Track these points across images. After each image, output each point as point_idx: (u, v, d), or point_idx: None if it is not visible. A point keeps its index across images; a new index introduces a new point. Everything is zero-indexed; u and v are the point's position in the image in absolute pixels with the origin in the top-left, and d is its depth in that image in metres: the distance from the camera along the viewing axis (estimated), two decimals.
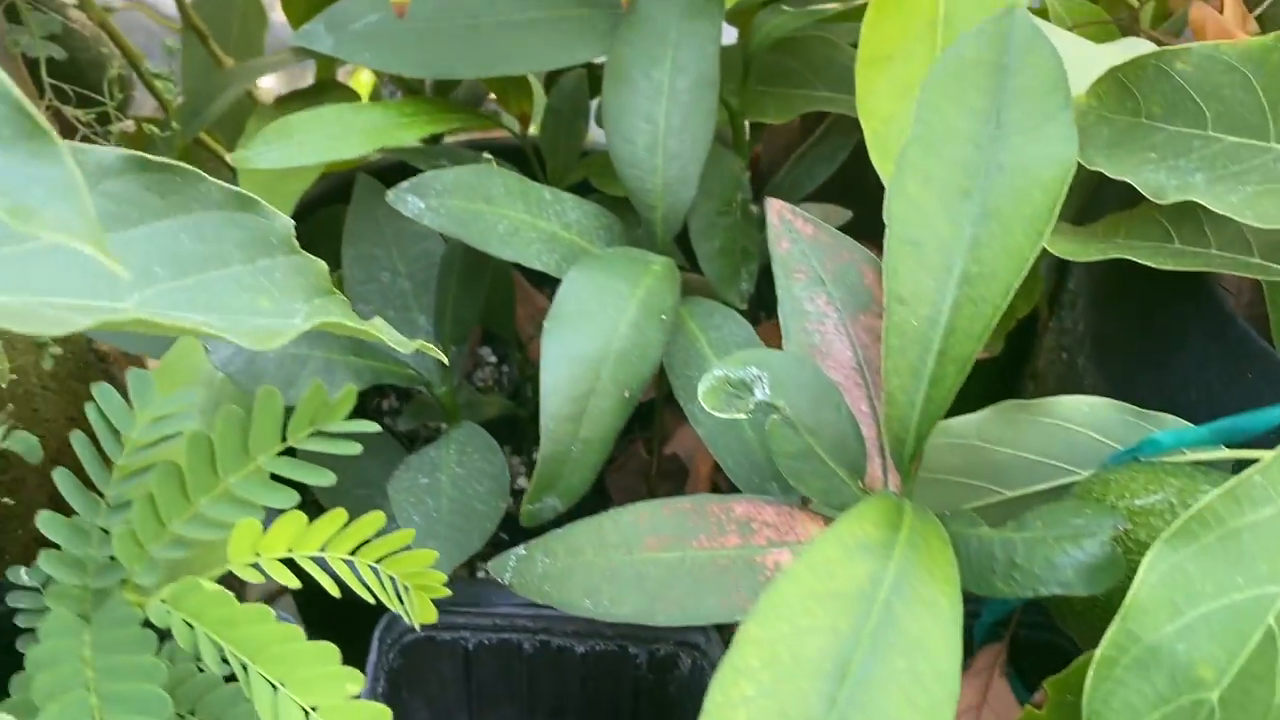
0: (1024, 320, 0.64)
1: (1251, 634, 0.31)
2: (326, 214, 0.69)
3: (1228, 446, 0.42)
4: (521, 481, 0.77)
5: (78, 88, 0.71)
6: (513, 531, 0.65)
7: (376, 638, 0.51)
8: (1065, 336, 0.59)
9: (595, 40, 0.56)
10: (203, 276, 0.34)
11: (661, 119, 0.54)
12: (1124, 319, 0.53)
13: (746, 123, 0.64)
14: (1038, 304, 0.63)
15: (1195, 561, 0.32)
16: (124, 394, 0.44)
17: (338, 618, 0.54)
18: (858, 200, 0.63)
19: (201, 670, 0.42)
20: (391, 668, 0.53)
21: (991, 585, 0.37)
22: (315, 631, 0.36)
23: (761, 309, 0.63)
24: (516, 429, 0.72)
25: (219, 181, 0.35)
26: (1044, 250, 0.61)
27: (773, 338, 0.64)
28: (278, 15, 0.75)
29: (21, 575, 0.45)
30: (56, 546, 0.41)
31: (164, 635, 0.38)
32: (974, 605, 0.55)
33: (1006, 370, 0.69)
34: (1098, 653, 0.32)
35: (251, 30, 0.93)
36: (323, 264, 0.36)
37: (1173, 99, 0.45)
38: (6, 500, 0.54)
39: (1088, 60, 0.49)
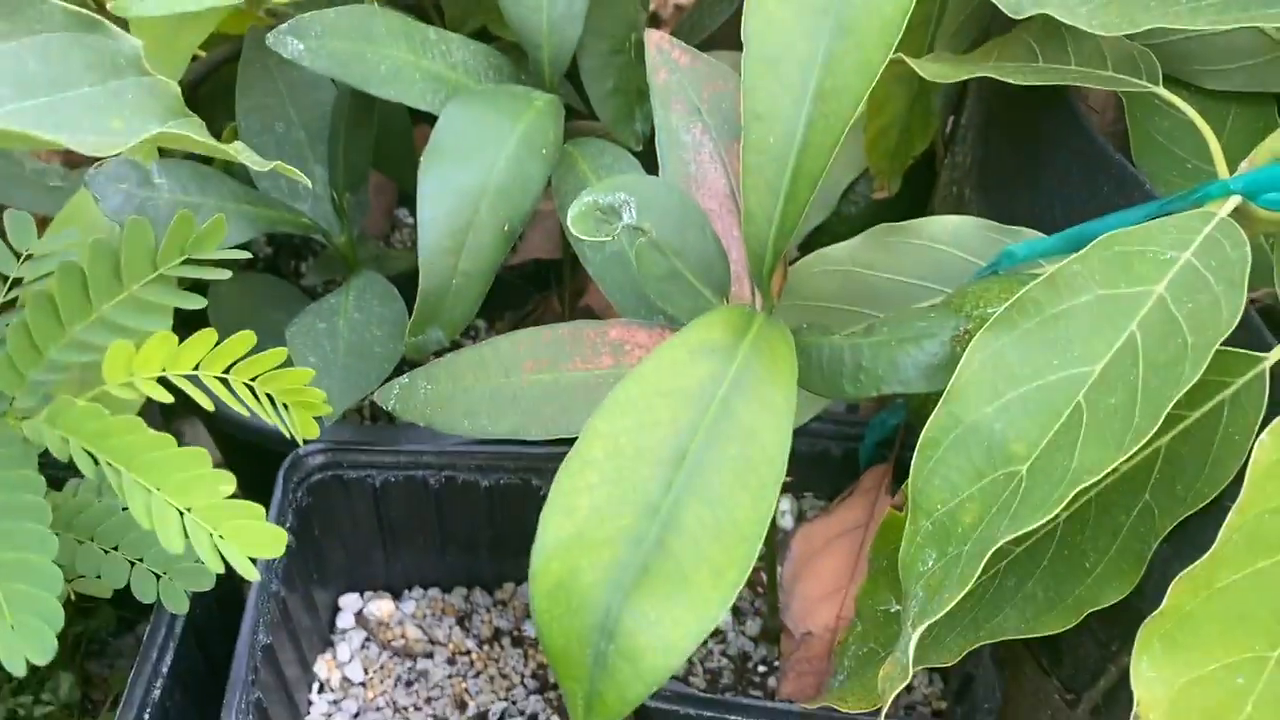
0: (922, 161, 0.65)
1: (1062, 410, 0.33)
2: (230, 71, 0.68)
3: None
4: None
5: None
6: None
7: (281, 475, 0.53)
8: (956, 171, 0.60)
9: None
10: (51, 98, 0.35)
11: None
12: (1003, 146, 0.54)
13: None
14: (934, 141, 0.64)
15: (1015, 347, 0.34)
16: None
17: (258, 463, 0.55)
18: None
19: (100, 499, 0.44)
20: (300, 505, 0.55)
21: (840, 388, 0.39)
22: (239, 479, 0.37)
23: None
24: None
25: (61, 3, 0.35)
26: (939, 87, 0.62)
27: None
28: None
29: None
30: None
31: (67, 469, 0.39)
32: (861, 429, 0.57)
33: (910, 211, 0.70)
34: (922, 436, 0.34)
35: None
36: (175, 86, 0.37)
37: None
38: None
39: None
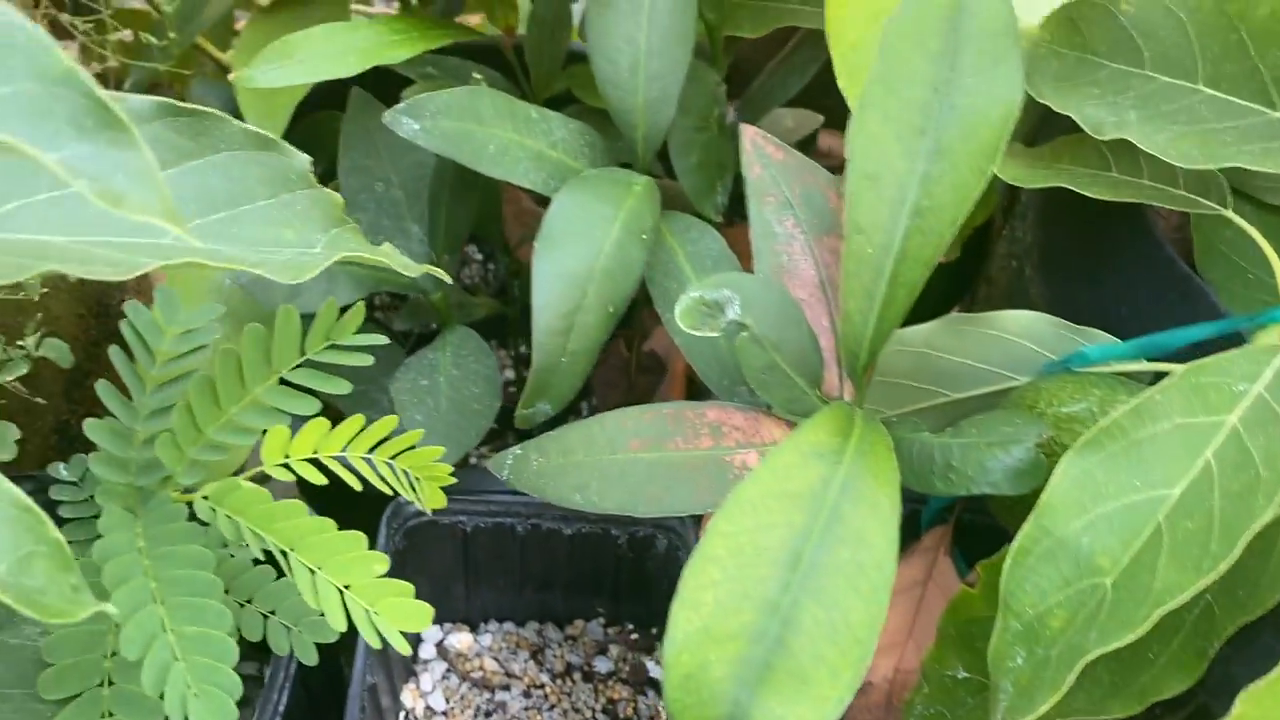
0: (980, 228, 0.69)
1: (1144, 529, 0.37)
2: (316, 119, 0.72)
3: (1147, 360, 0.47)
4: (509, 373, 0.82)
5: None
6: (503, 423, 0.70)
7: (384, 522, 0.57)
8: (1016, 245, 0.64)
9: None
10: (232, 212, 0.38)
11: (642, 40, 0.56)
12: (1066, 236, 0.57)
13: (723, 36, 0.67)
14: (993, 213, 0.68)
15: (1102, 468, 0.38)
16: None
17: (337, 509, 0.59)
18: (833, 102, 0.67)
19: (233, 556, 0.48)
20: (397, 549, 0.58)
21: (931, 484, 0.43)
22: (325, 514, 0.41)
23: (736, 214, 0.67)
24: (504, 324, 0.76)
25: (242, 124, 0.38)
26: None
27: (743, 243, 0.69)
28: None
29: (61, 471, 0.50)
30: (94, 447, 0.46)
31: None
32: (921, 492, 0.61)
33: (962, 274, 0.73)
34: (1014, 544, 0.38)
35: None
36: (338, 197, 0.40)
37: (1116, 37, 0.48)
38: (39, 400, 0.58)
39: None
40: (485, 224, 0.67)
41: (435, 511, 0.59)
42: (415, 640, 0.65)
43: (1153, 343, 0.45)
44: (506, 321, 0.76)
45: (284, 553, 0.38)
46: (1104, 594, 0.36)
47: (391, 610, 0.38)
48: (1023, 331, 0.50)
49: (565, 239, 0.50)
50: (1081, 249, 0.55)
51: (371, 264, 0.59)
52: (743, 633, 0.36)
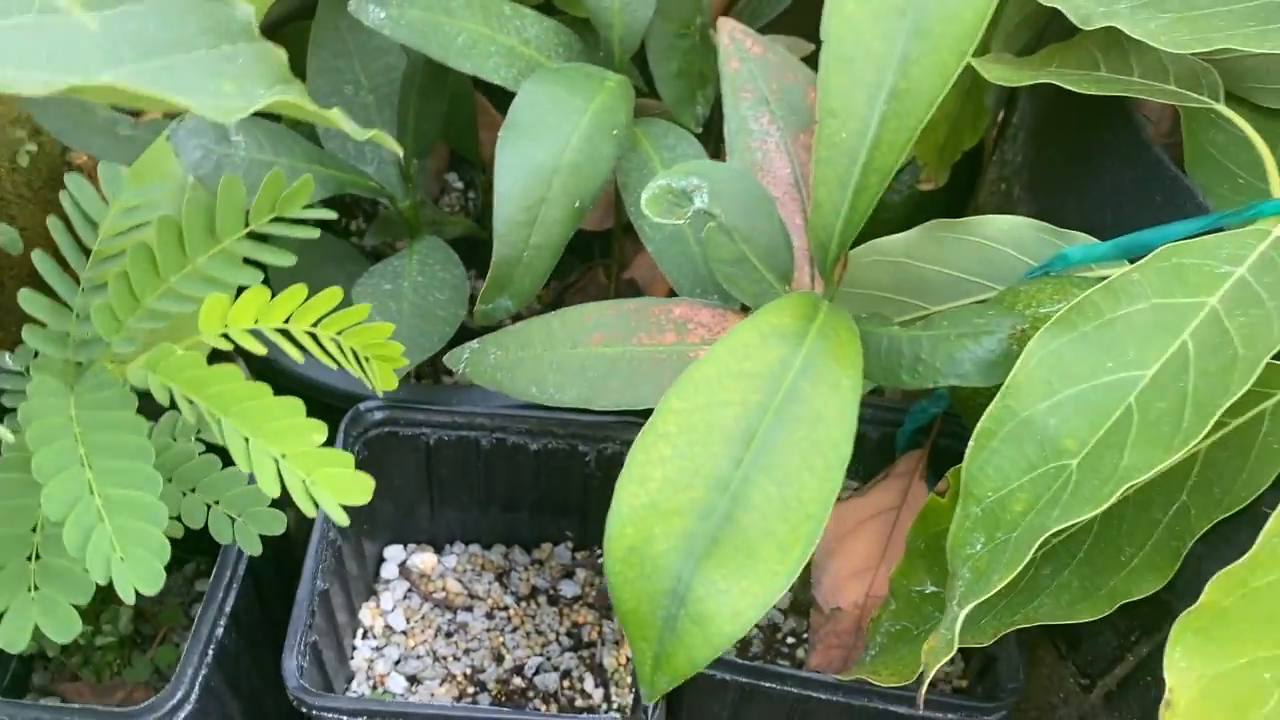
0: (970, 155, 0.67)
1: (1114, 410, 0.35)
2: (287, 34, 0.70)
3: (1130, 261, 0.45)
4: None
5: None
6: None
7: (342, 429, 0.55)
8: (1006, 168, 0.62)
9: None
10: (168, 60, 0.36)
11: None
12: (1056, 151, 0.55)
13: None
14: (984, 138, 0.66)
15: (1072, 348, 0.36)
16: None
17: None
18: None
19: (201, 454, 0.46)
20: (357, 458, 0.57)
21: (898, 377, 0.41)
22: None
23: (722, 141, 0.65)
24: (481, 251, 0.74)
25: None
26: (991, 85, 0.63)
27: None
28: None
29: (5, 359, 0.48)
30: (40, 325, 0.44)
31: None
32: (897, 415, 0.59)
33: (951, 203, 0.71)
34: (978, 426, 0.36)
35: None
36: (283, 52, 0.38)
37: None
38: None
39: None
40: (459, 134, 0.66)
41: (398, 423, 0.57)
42: (378, 560, 0.63)
43: (1136, 241, 0.44)
44: (483, 248, 0.74)
45: (217, 420, 0.37)
46: (1069, 475, 0.34)
47: (330, 481, 0.37)
48: (1005, 237, 0.49)
49: (531, 129, 0.49)
50: (1070, 161, 0.54)
51: (336, 165, 0.58)
52: (691, 508, 0.34)
